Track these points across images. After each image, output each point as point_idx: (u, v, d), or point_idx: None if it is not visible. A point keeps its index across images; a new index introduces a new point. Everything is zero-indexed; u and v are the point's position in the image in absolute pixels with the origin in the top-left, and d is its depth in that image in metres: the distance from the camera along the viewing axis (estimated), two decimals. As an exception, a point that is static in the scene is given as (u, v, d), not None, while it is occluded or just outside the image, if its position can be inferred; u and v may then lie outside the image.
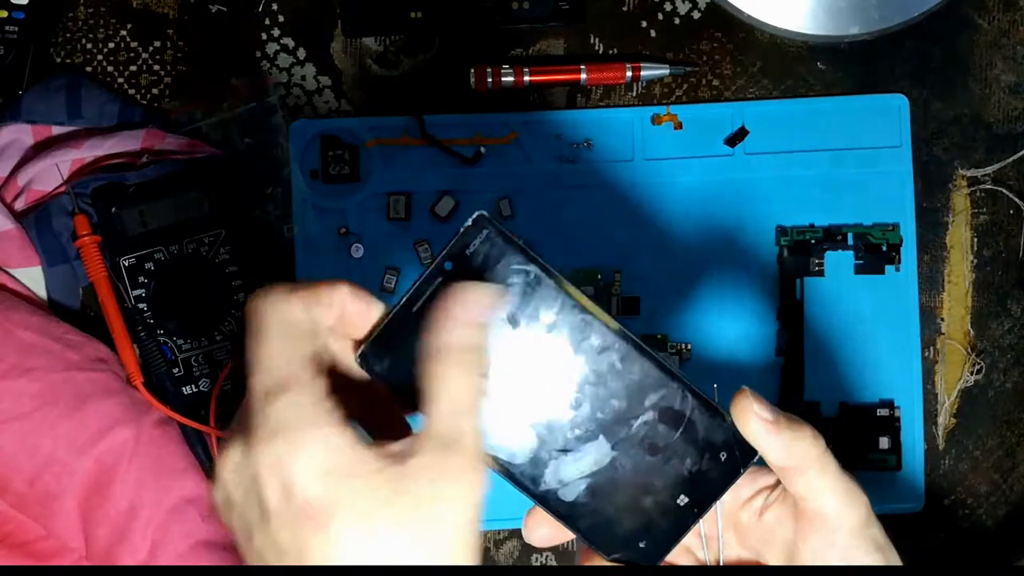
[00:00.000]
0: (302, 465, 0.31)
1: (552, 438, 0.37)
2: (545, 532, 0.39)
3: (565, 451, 0.38)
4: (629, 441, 0.38)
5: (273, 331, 0.34)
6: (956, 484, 0.64)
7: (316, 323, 0.35)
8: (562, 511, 0.38)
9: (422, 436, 0.33)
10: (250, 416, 0.33)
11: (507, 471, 0.37)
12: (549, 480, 0.38)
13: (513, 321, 0.36)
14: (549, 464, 0.38)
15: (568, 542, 0.63)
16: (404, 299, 0.36)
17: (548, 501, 0.38)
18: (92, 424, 0.56)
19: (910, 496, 0.62)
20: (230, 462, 0.33)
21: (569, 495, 0.38)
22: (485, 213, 0.36)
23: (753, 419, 0.37)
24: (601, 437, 0.38)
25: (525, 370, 0.37)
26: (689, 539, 0.40)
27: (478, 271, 0.36)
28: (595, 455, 0.38)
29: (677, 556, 0.41)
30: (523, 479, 0.37)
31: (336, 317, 0.36)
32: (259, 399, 0.32)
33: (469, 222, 0.36)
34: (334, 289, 0.35)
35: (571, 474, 0.38)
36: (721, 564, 0.41)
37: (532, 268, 0.36)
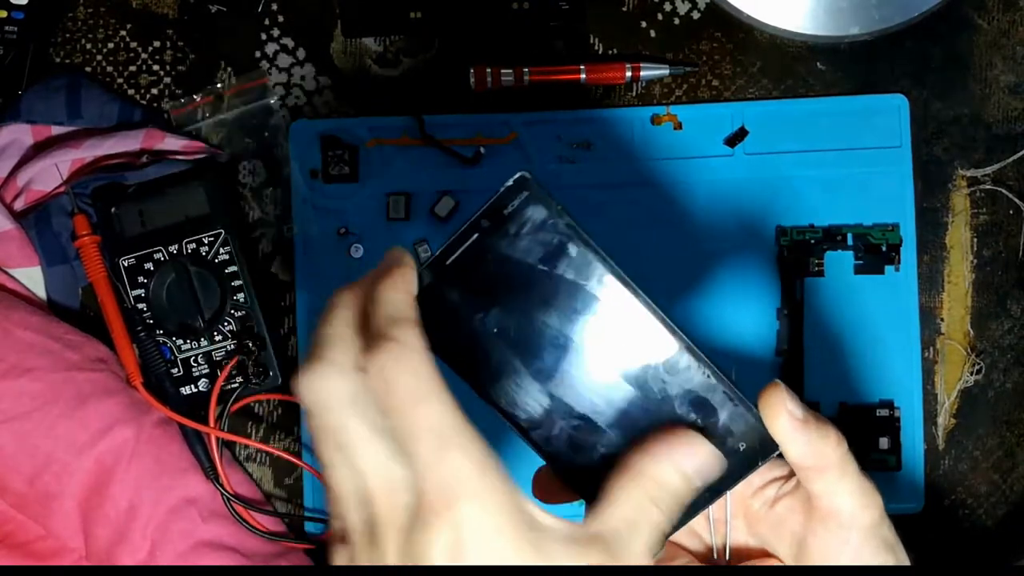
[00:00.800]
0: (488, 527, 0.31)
1: (570, 404, 0.37)
2: (554, 490, 0.39)
3: (582, 419, 0.38)
4: (647, 418, 0.37)
5: (431, 386, 0.32)
6: (956, 484, 0.64)
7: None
8: (572, 476, 0.38)
9: (596, 523, 0.34)
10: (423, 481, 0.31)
11: (521, 428, 0.37)
12: (562, 444, 0.38)
13: (547, 284, 0.36)
14: (564, 429, 0.38)
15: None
16: (440, 251, 0.36)
17: (559, 464, 0.38)
18: (92, 424, 0.56)
19: (910, 496, 0.62)
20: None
21: (581, 461, 0.38)
22: (528, 174, 0.35)
23: (784, 415, 0.37)
24: (620, 411, 0.37)
25: (552, 335, 0.37)
26: (697, 522, 0.40)
27: (515, 232, 0.36)
28: (611, 427, 0.38)
29: (683, 538, 0.42)
30: (536, 438, 0.37)
31: None
32: (433, 455, 0.31)
33: (510, 182, 0.35)
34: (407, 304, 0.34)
35: (585, 442, 0.38)
36: (728, 549, 0.41)
37: (569, 234, 0.36)
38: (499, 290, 0.36)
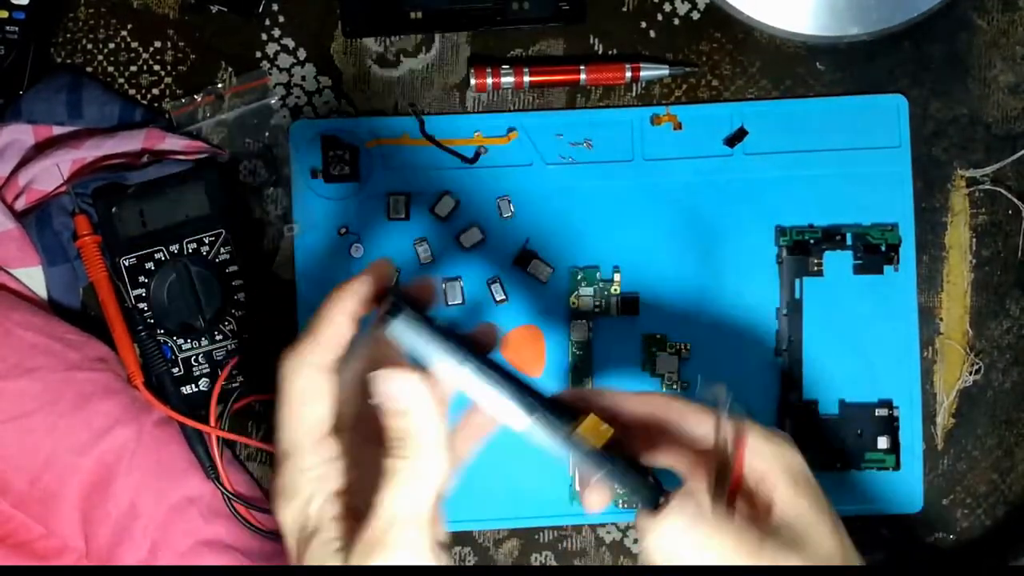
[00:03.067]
0: (286, 520, 0.41)
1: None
2: (598, 499, 0.45)
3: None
4: None
5: (289, 397, 0.40)
6: (955, 484, 0.64)
7: (332, 374, 0.41)
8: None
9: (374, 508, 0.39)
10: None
11: None
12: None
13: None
14: None
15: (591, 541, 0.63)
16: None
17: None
18: (93, 423, 0.57)
19: (909, 496, 0.63)
20: None
21: None
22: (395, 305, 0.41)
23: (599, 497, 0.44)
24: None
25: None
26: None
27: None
28: None
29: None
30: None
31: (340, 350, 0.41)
32: (276, 460, 0.41)
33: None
34: (332, 327, 0.41)
35: None
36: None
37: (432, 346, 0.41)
38: None
